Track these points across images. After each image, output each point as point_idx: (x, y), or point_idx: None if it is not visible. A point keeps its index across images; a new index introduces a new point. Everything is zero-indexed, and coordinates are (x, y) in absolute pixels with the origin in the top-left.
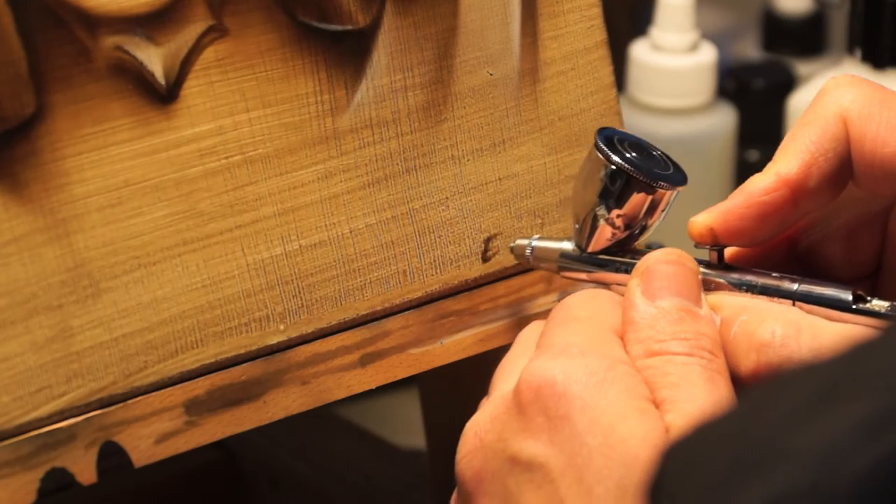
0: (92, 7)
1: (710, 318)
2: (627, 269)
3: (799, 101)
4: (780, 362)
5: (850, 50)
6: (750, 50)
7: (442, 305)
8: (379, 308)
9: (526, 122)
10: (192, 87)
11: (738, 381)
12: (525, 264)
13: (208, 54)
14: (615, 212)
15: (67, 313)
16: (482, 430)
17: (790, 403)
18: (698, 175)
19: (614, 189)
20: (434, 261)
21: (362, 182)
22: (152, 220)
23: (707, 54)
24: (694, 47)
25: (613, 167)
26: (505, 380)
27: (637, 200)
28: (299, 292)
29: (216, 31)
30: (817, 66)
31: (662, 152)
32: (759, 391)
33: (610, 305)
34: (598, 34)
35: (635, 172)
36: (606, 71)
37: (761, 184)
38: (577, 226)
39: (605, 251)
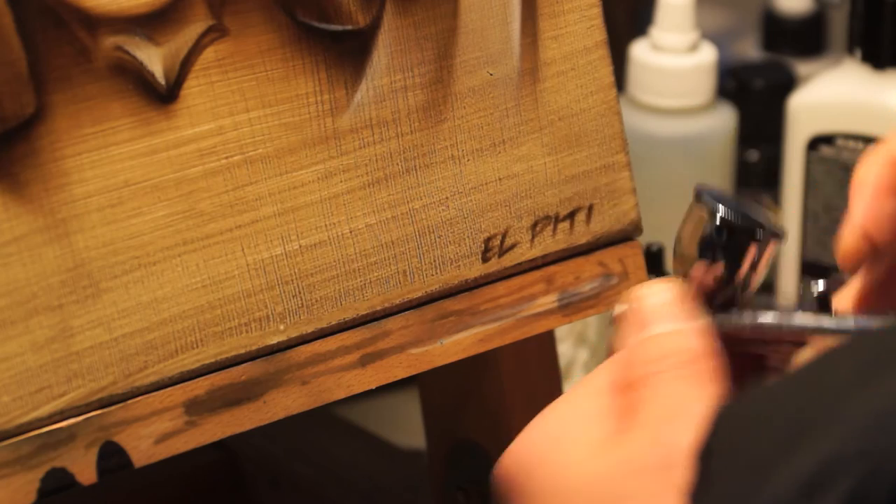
0: (92, 7)
1: (703, 328)
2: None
3: (799, 101)
4: None
5: (850, 50)
6: (750, 50)
7: (442, 305)
8: (379, 308)
9: (526, 122)
10: (192, 87)
11: None
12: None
13: (208, 54)
14: (721, 264)
15: (67, 313)
16: None
17: (843, 372)
18: (698, 175)
19: (721, 243)
20: (434, 261)
21: (362, 182)
22: (152, 220)
23: (707, 54)
24: (694, 47)
25: (718, 223)
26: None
27: (742, 253)
28: (299, 292)
29: (216, 31)
30: (817, 66)
31: (757, 206)
32: (812, 362)
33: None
34: (598, 34)
35: (741, 227)
36: (606, 71)
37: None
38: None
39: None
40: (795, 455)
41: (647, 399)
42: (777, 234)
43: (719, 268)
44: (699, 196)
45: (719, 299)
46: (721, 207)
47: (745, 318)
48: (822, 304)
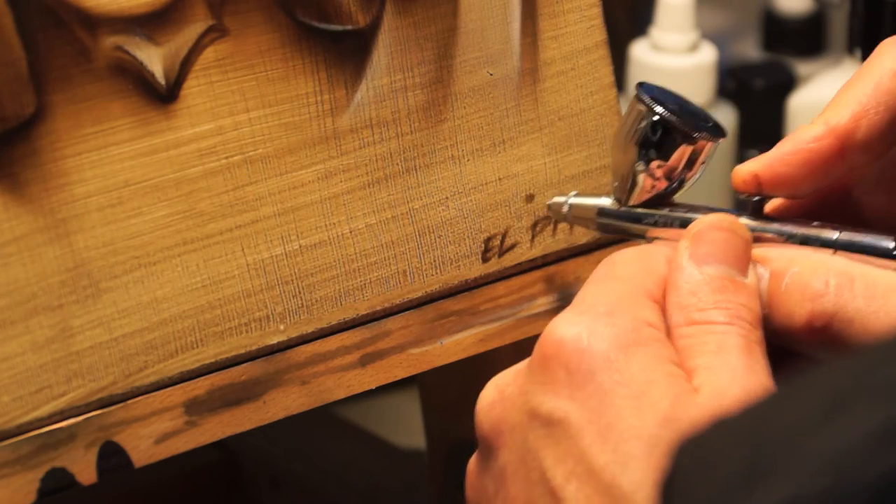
0: (92, 7)
1: (754, 288)
2: (668, 221)
3: (799, 101)
4: (834, 311)
5: (850, 50)
6: (750, 50)
7: (442, 305)
8: (379, 308)
9: (526, 122)
10: (192, 87)
11: (792, 333)
12: (562, 222)
13: (208, 54)
14: (655, 163)
15: (67, 313)
16: (504, 382)
17: (805, 407)
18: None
19: (655, 139)
20: (434, 261)
21: (362, 182)
22: (152, 220)
23: (707, 54)
24: (694, 47)
25: (656, 117)
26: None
27: (678, 150)
28: (299, 292)
29: (216, 31)
30: (817, 66)
31: (702, 109)
32: (775, 394)
33: (654, 265)
34: (598, 34)
35: (677, 122)
36: (606, 71)
37: (809, 132)
38: (615, 183)
39: (644, 205)
40: (755, 494)
41: (707, 364)
42: (714, 134)
43: (655, 165)
44: (639, 93)
45: (653, 197)
46: (658, 108)
47: (774, 226)
48: (756, 210)
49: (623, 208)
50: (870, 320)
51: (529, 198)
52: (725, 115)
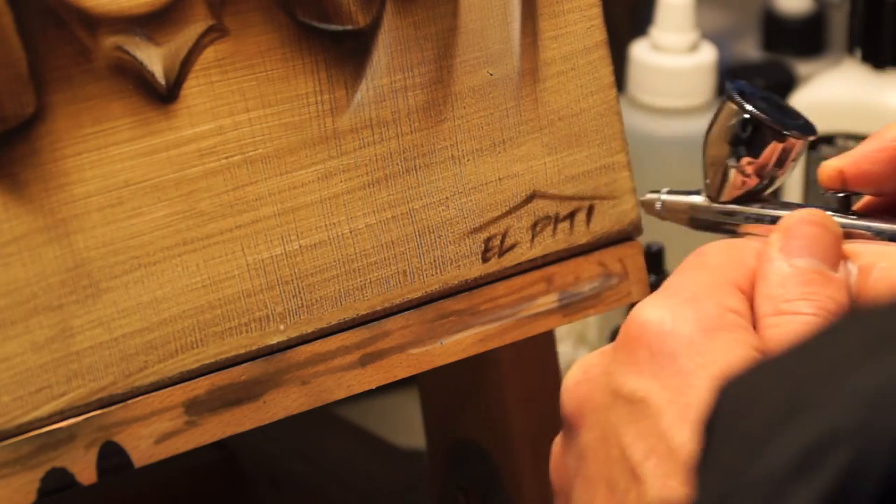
0: (92, 7)
1: (844, 282)
2: (759, 218)
3: (799, 101)
4: None
5: (850, 50)
6: (750, 50)
7: (442, 305)
8: (379, 308)
9: (526, 122)
10: (192, 87)
11: None
12: (656, 217)
13: (208, 54)
14: (746, 160)
15: (67, 313)
16: (589, 363)
17: (848, 347)
18: (698, 175)
19: (746, 137)
20: (434, 261)
21: (362, 182)
22: (152, 220)
23: (707, 54)
24: (694, 47)
25: (747, 115)
26: None
27: (768, 148)
28: (299, 292)
29: (216, 31)
30: (817, 66)
31: (792, 107)
32: (816, 335)
33: (744, 256)
34: (598, 34)
35: (768, 120)
36: (606, 71)
37: (894, 131)
38: (706, 180)
39: (735, 202)
40: (791, 430)
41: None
42: (804, 131)
43: (745, 162)
44: (730, 91)
45: (744, 194)
46: (748, 107)
47: (863, 221)
48: (843, 207)
49: (715, 205)
50: None
51: (529, 198)
52: None
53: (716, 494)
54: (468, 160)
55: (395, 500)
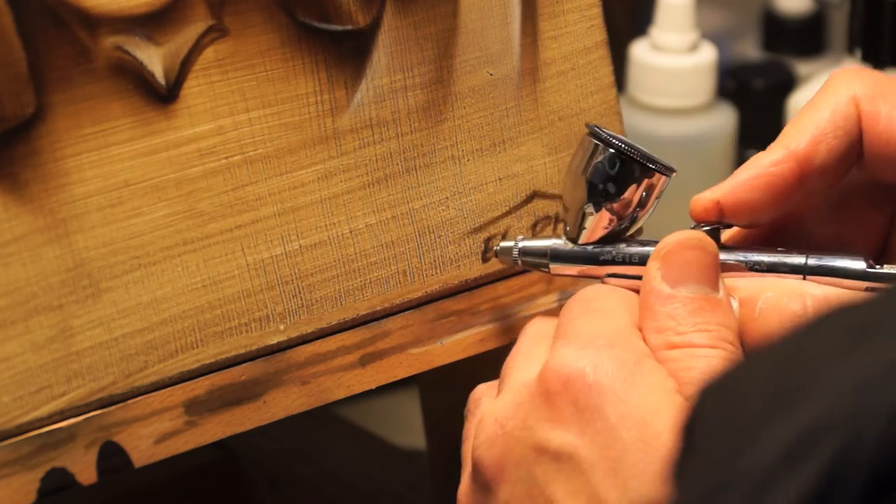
0: (92, 7)
1: (729, 304)
2: (624, 257)
3: (799, 101)
4: None
5: (850, 50)
6: (750, 50)
7: (442, 305)
8: (379, 308)
9: (526, 122)
10: (192, 87)
11: None
12: (513, 267)
13: (208, 54)
14: (609, 199)
15: (67, 313)
16: (503, 416)
17: (828, 340)
18: (698, 175)
19: (611, 173)
20: (434, 261)
21: (362, 182)
22: (152, 220)
23: (707, 54)
24: (694, 47)
25: (612, 150)
26: (520, 369)
27: (633, 185)
28: (299, 292)
29: (216, 31)
30: (817, 66)
31: (647, 150)
32: (795, 330)
33: (627, 295)
34: (598, 34)
35: (635, 154)
36: (606, 71)
37: (768, 157)
38: (567, 227)
39: (598, 243)
40: (778, 421)
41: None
42: (667, 169)
43: (609, 201)
44: (591, 130)
45: (607, 235)
46: (615, 142)
47: (754, 254)
48: (713, 238)
49: (577, 247)
50: None
51: (529, 198)
52: (725, 115)
53: (700, 490)
54: (468, 160)
55: (395, 500)
